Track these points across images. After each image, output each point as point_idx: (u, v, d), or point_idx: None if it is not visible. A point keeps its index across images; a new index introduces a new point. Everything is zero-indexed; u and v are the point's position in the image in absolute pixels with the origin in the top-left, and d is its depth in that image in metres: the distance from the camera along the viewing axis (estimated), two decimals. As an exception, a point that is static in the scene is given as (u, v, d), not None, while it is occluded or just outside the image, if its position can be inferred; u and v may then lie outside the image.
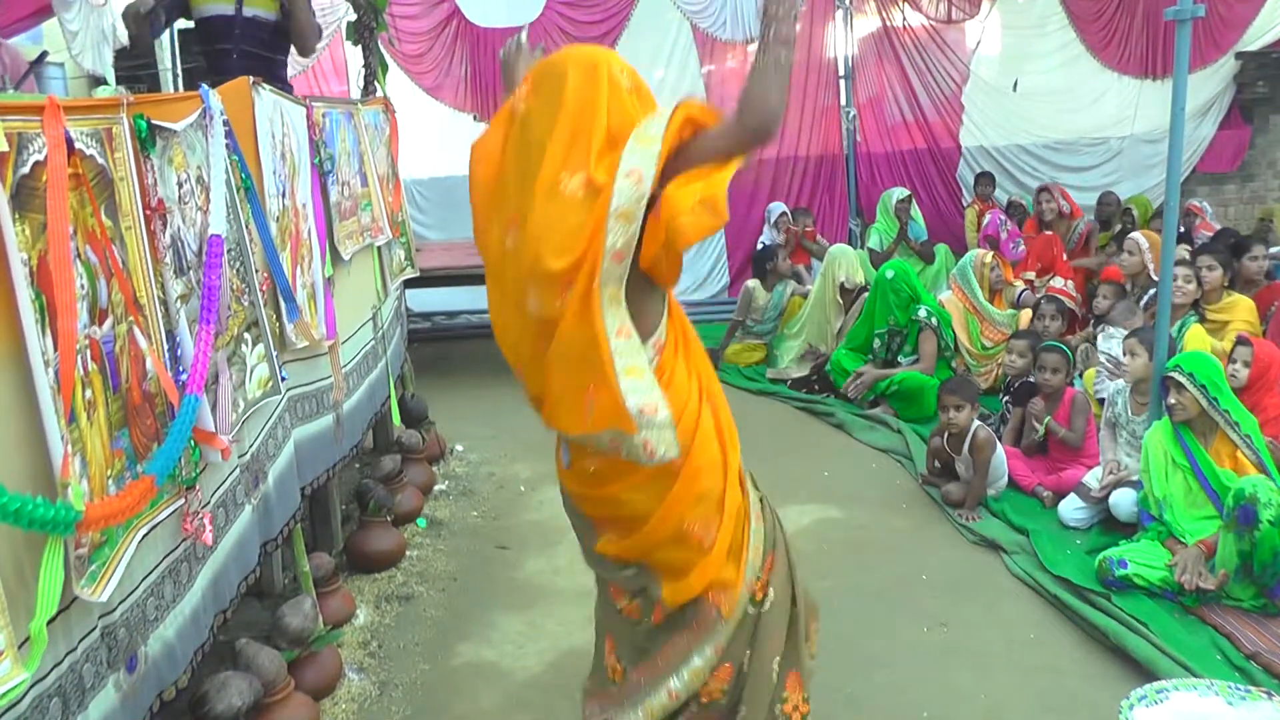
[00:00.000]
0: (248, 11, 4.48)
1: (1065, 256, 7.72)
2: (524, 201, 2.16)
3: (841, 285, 6.98)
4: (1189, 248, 6.31)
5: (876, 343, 6.44)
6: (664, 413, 2.14)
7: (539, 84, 2.20)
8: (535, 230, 2.12)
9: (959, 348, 6.54)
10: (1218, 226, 7.79)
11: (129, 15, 4.64)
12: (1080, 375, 5.64)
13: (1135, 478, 4.28)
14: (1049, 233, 7.95)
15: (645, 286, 2.17)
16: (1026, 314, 6.52)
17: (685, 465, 2.25)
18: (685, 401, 2.26)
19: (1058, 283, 7.08)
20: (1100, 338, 5.68)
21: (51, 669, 1.85)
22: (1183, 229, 7.80)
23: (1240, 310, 5.39)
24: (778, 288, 7.46)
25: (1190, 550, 3.75)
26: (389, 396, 5.09)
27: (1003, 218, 7.87)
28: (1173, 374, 3.98)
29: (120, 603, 2.11)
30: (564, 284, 2.10)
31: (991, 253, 6.86)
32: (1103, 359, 5.42)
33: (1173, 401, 3.97)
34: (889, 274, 6.39)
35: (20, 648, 1.65)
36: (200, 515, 2.45)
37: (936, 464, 5.06)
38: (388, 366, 5.10)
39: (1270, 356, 4.40)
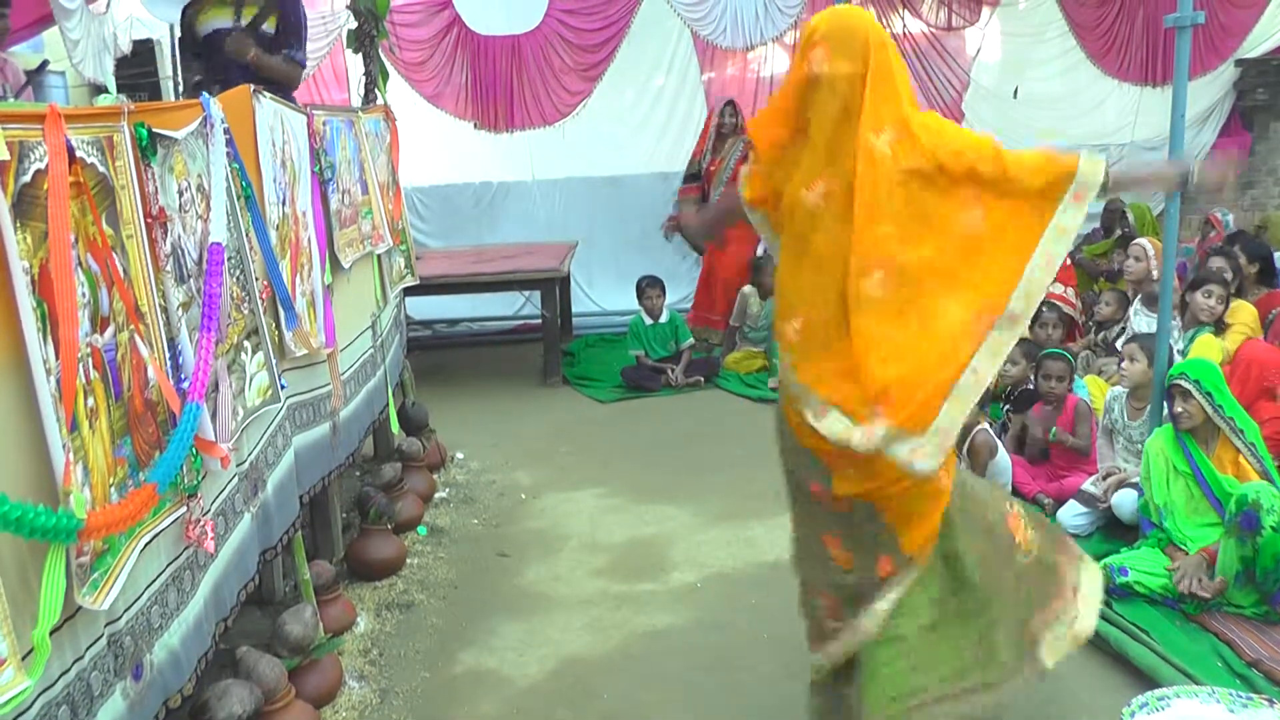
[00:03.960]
0: (246, 22, 4.51)
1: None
2: (839, 157, 2.36)
3: None
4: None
5: None
6: (956, 428, 2.34)
7: (834, 46, 2.36)
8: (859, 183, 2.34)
9: None
10: None
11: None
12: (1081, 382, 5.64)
13: (1135, 479, 4.28)
14: None
15: None
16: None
17: None
18: None
19: (1057, 289, 7.07)
20: (1135, 318, 5.70)
21: (59, 677, 1.85)
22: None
23: (1241, 315, 5.39)
24: (772, 296, 7.45)
25: (1192, 558, 3.74)
26: (387, 404, 5.08)
27: None
28: (1179, 381, 3.96)
29: (125, 610, 2.11)
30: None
31: None
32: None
33: (1178, 410, 3.95)
34: None
35: (24, 657, 1.65)
36: (202, 523, 2.45)
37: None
38: (386, 374, 5.09)
39: (1252, 356, 4.41)
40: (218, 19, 4.57)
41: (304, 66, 4.85)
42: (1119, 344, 5.63)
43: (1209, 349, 4.91)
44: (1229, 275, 5.55)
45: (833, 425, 2.39)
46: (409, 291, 6.21)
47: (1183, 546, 3.83)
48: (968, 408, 2.33)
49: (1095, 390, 5.34)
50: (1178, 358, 4.51)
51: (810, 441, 2.51)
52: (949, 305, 2.36)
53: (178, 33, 4.83)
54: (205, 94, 2.80)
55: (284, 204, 3.44)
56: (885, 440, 2.32)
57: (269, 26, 4.60)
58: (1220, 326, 5.29)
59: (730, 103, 8.10)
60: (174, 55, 7.95)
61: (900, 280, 2.35)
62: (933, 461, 2.33)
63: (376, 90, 5.80)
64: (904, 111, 2.37)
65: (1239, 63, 9.21)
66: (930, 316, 2.35)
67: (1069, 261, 7.59)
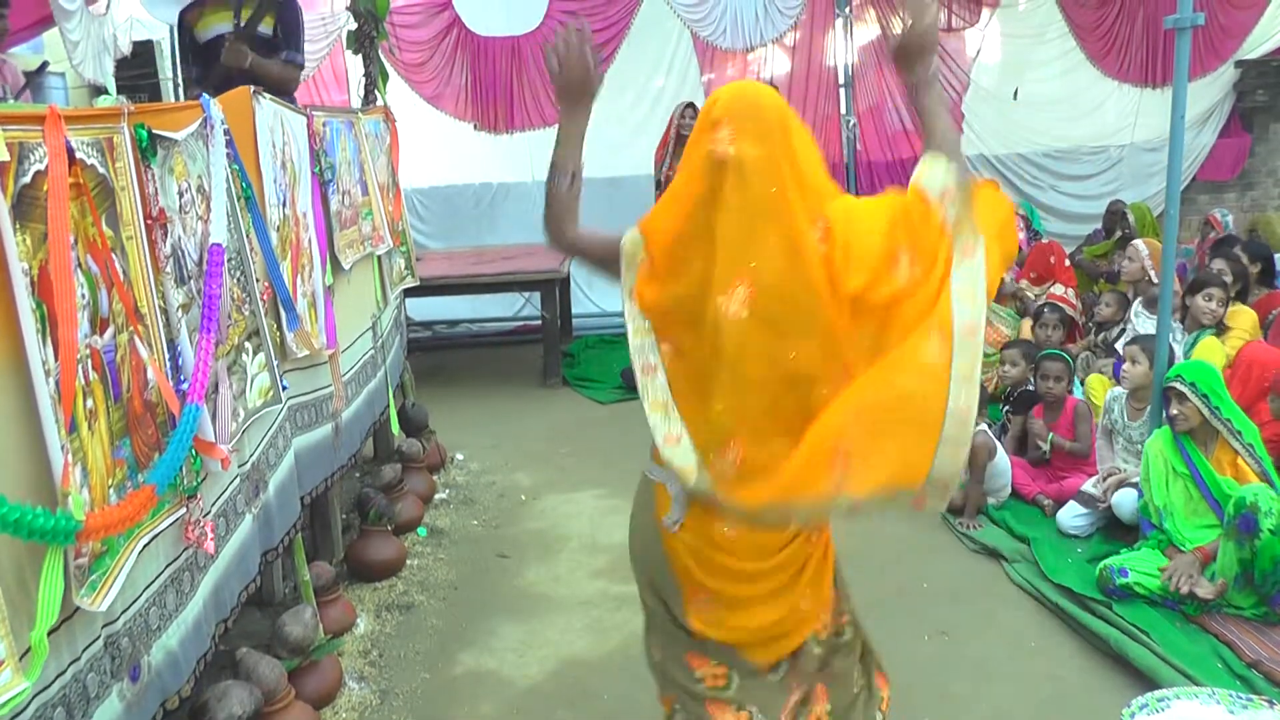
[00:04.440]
0: (244, 21, 4.50)
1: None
2: (759, 255, 2.00)
3: None
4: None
5: None
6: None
7: (741, 126, 2.03)
8: (789, 284, 1.99)
9: None
10: None
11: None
12: (1081, 383, 5.64)
13: (1135, 480, 4.28)
14: (1046, 241, 7.96)
15: None
16: (1026, 323, 6.52)
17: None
18: None
19: (1058, 290, 7.07)
20: (1136, 319, 5.70)
21: (55, 678, 1.85)
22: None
23: (1240, 320, 5.39)
24: None
25: (1185, 556, 3.75)
26: (385, 405, 5.08)
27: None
28: (1174, 384, 3.97)
29: (123, 612, 2.11)
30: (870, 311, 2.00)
31: None
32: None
33: (1175, 412, 3.96)
34: None
35: (21, 658, 1.65)
36: (202, 524, 2.45)
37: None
38: (386, 375, 5.09)
39: (1253, 358, 4.41)
40: (218, 25, 4.57)
41: (302, 68, 4.85)
42: (1119, 345, 5.63)
43: (1211, 352, 4.91)
44: (1229, 278, 5.55)
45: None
46: (409, 292, 6.21)
47: (1183, 548, 3.83)
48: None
49: (1099, 389, 5.33)
50: (1180, 360, 4.51)
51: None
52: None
53: (177, 35, 4.83)
54: (204, 94, 2.80)
55: (284, 205, 3.44)
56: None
57: (266, 28, 4.60)
58: (1221, 329, 5.29)
59: (690, 105, 7.39)
60: (174, 56, 7.96)
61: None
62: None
63: (376, 91, 5.81)
64: (824, 202, 2.04)
65: (1239, 64, 9.22)
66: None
67: (1069, 263, 7.61)
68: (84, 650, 1.95)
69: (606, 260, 2.27)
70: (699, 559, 2.25)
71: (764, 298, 1.99)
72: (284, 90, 4.63)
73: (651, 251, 2.17)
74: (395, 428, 5.31)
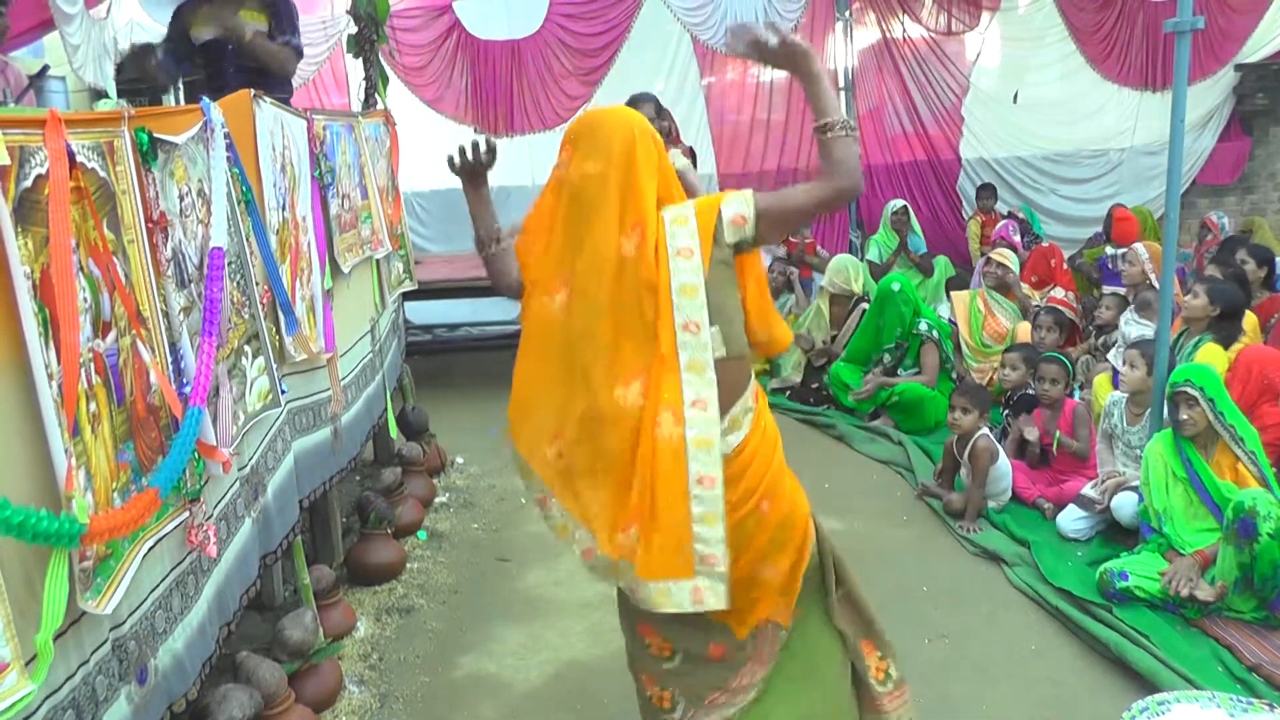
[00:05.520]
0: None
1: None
2: (578, 264, 2.29)
3: (830, 293, 6.96)
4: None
5: (886, 358, 6.41)
6: (722, 567, 2.22)
7: (580, 147, 2.34)
8: (601, 301, 2.26)
9: (958, 344, 6.56)
10: None
11: (129, 59, 4.67)
12: (1081, 387, 5.64)
13: (1134, 483, 4.28)
14: (1046, 244, 7.98)
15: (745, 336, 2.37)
16: (1026, 326, 6.52)
17: (770, 501, 2.34)
18: (774, 439, 2.40)
19: (1058, 293, 7.09)
20: (1125, 326, 5.70)
21: (65, 681, 1.85)
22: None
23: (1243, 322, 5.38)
24: (775, 302, 7.44)
25: (1184, 560, 3.75)
26: (384, 409, 5.08)
27: (1014, 225, 7.91)
28: (1184, 388, 3.93)
29: (130, 615, 2.12)
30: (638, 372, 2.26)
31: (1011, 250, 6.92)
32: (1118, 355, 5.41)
33: (1184, 417, 3.92)
34: (895, 286, 6.36)
35: (28, 663, 1.65)
36: (205, 527, 2.45)
37: (944, 468, 5.07)
38: (384, 379, 5.09)
39: (1253, 360, 4.41)
40: (213, 26, 4.57)
41: (301, 54, 4.83)
42: (1112, 355, 5.63)
43: (1214, 357, 4.90)
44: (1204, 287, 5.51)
45: (614, 569, 2.31)
46: (409, 296, 6.21)
47: (1182, 552, 3.83)
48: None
49: (1103, 391, 5.33)
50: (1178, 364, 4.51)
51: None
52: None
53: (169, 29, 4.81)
54: (204, 98, 2.80)
55: (284, 209, 3.44)
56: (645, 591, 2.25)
57: (260, 24, 4.59)
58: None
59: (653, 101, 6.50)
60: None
61: None
62: (721, 602, 2.23)
63: (377, 95, 5.81)
64: (647, 213, 2.27)
65: (1238, 67, 9.23)
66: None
67: (1068, 266, 7.62)
68: (92, 653, 1.96)
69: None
70: None
71: (576, 297, 2.29)
72: (282, 74, 4.63)
73: (525, 262, 2.45)
74: (393, 431, 5.30)
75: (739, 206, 2.30)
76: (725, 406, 2.25)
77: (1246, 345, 4.97)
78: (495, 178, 2.69)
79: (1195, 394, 3.89)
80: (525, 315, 2.41)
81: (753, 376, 2.40)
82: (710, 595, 2.22)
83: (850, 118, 2.27)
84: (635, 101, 5.96)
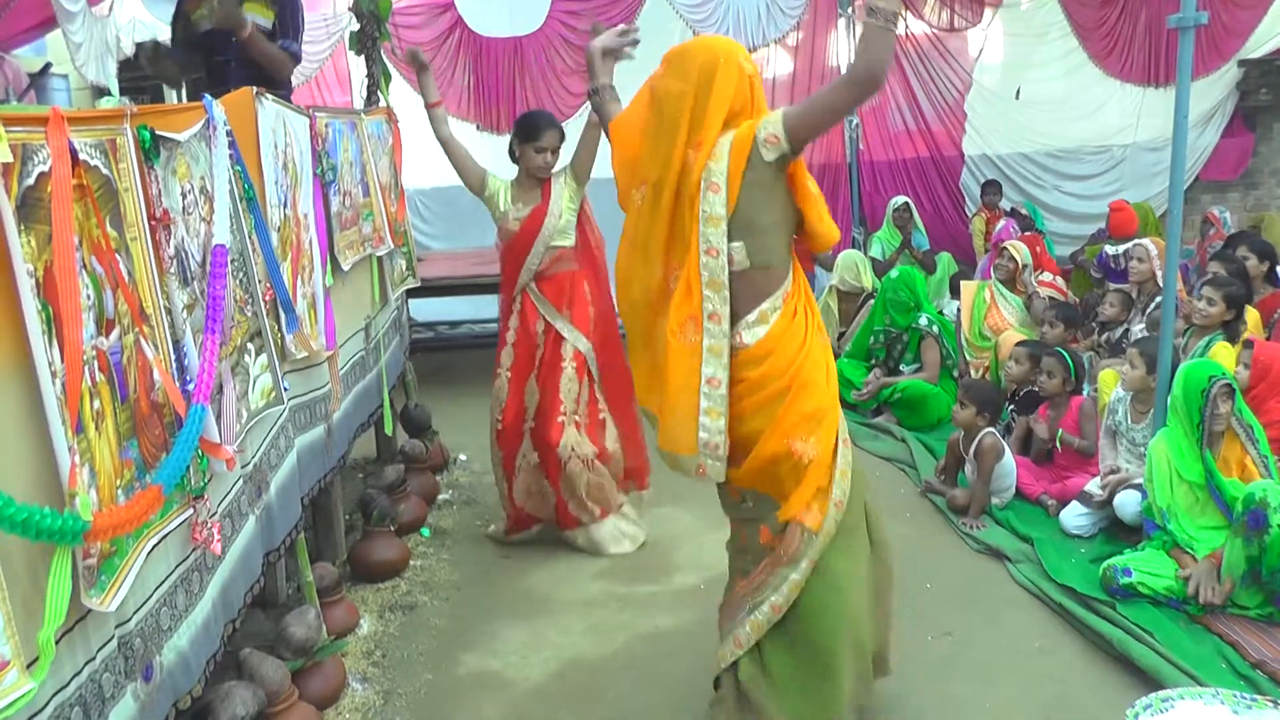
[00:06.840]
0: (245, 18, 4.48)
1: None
2: (653, 168, 2.72)
3: (839, 290, 6.97)
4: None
5: (872, 340, 6.43)
6: (723, 450, 2.69)
7: (671, 66, 2.73)
8: (664, 203, 2.71)
9: (958, 336, 6.56)
10: None
11: (144, 58, 4.67)
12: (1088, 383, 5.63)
13: (1137, 480, 4.28)
14: (1030, 232, 7.98)
15: (783, 243, 2.73)
16: (1014, 336, 6.46)
17: (794, 387, 2.67)
18: (804, 331, 2.72)
19: (1047, 277, 7.07)
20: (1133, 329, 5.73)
21: (72, 678, 1.85)
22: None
23: (1246, 318, 5.37)
24: None
25: (1203, 564, 3.73)
26: (379, 406, 5.05)
27: (1014, 225, 7.90)
28: (1227, 381, 3.93)
29: (135, 612, 2.12)
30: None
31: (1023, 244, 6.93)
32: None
33: (1223, 410, 3.91)
34: (894, 273, 6.43)
35: (30, 664, 1.65)
36: (209, 525, 2.46)
37: (948, 465, 5.07)
38: (382, 376, 5.08)
39: (1271, 358, 4.40)
40: (215, 19, 4.55)
41: (298, 60, 4.82)
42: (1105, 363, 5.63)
43: (1226, 355, 4.89)
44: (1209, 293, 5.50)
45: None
46: (412, 293, 6.21)
47: (1188, 548, 3.82)
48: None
49: (1109, 386, 5.31)
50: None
51: None
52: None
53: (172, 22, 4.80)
54: (207, 95, 2.80)
55: (286, 206, 3.44)
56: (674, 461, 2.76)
57: (265, 19, 4.57)
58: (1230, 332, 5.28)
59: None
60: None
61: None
62: (720, 476, 2.74)
63: (379, 92, 5.81)
64: (708, 137, 2.65)
65: (1242, 63, 9.19)
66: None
67: (1071, 265, 7.62)
68: (98, 650, 1.96)
69: None
70: None
71: (650, 194, 2.74)
72: (277, 76, 4.60)
73: (615, 147, 2.98)
74: (389, 428, 5.26)
75: (770, 128, 2.60)
76: (752, 307, 2.67)
77: (1257, 341, 4.96)
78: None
79: (1230, 390, 3.89)
80: (623, 204, 2.90)
81: (789, 276, 2.74)
82: (711, 472, 2.71)
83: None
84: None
